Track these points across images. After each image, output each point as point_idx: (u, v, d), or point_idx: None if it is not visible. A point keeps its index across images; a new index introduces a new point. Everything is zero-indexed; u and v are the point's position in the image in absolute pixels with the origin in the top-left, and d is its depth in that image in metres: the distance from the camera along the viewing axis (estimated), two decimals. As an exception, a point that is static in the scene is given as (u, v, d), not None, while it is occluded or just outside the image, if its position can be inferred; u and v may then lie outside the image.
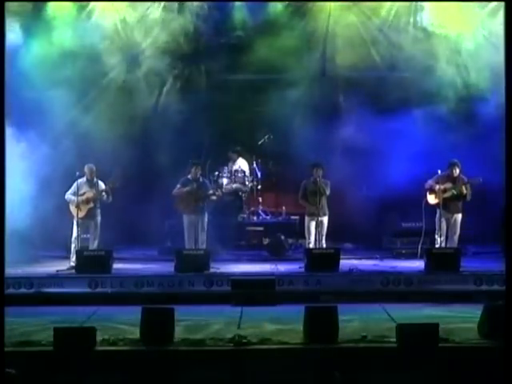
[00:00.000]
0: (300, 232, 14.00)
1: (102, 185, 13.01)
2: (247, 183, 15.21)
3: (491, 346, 8.60)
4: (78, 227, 12.77)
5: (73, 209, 12.87)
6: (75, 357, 8.40)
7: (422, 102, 14.71)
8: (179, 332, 9.20)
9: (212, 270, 12.37)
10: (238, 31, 15.36)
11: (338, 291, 11.48)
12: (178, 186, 13.31)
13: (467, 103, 14.73)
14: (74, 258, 12.63)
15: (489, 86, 14.12)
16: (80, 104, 14.50)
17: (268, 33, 14.92)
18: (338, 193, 13.68)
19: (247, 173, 15.25)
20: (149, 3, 14.96)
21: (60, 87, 13.91)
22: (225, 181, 15.05)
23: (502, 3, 13.37)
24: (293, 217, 15.06)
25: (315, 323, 8.97)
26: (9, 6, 12.63)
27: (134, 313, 9.37)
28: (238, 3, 15.25)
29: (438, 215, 13.09)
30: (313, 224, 13.13)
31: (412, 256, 13.46)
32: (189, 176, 13.39)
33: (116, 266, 12.56)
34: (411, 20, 15.10)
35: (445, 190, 13.03)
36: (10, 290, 11.25)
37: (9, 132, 10.65)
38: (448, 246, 12.93)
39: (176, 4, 14.97)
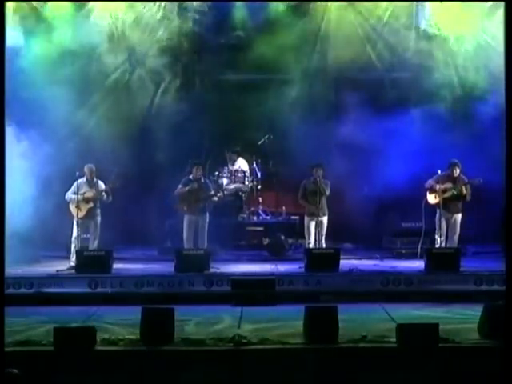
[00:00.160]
0: (300, 232, 14.00)
1: (102, 185, 13.01)
2: (247, 183, 15.21)
3: (491, 346, 8.59)
4: (77, 227, 12.77)
5: (73, 209, 12.87)
6: (75, 357, 8.40)
7: (421, 102, 14.75)
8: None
9: (212, 270, 12.37)
10: (238, 31, 15.36)
11: (338, 291, 11.47)
12: (180, 186, 13.31)
13: (466, 103, 14.75)
14: (73, 257, 12.63)
15: (487, 86, 14.12)
16: (80, 104, 14.49)
17: (268, 32, 14.93)
18: (338, 193, 13.69)
19: (247, 173, 15.24)
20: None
21: (59, 87, 13.91)
22: (225, 181, 15.04)
23: (499, 3, 13.46)
24: (293, 217, 15.05)
25: (315, 323, 8.96)
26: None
27: (133, 313, 9.37)
28: (237, 3, 15.26)
29: (438, 215, 13.08)
30: (312, 224, 13.13)
31: (412, 256, 13.45)
32: (190, 176, 13.38)
33: (116, 266, 12.56)
34: (410, 20, 15.12)
35: (445, 190, 13.03)
36: (10, 290, 11.24)
37: (9, 132, 10.67)
38: (448, 245, 12.93)
39: (176, 4, 14.99)
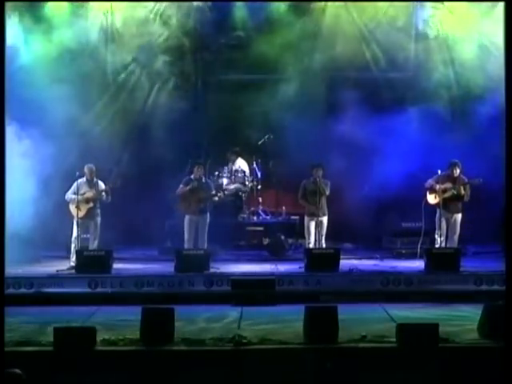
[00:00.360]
0: (300, 232, 13.99)
1: (101, 185, 13.01)
2: (247, 183, 15.20)
3: (491, 346, 8.59)
4: (77, 227, 12.76)
5: (73, 209, 12.87)
6: (75, 357, 8.40)
7: (421, 102, 14.75)
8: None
9: (212, 270, 12.37)
10: (239, 31, 15.37)
11: (338, 291, 11.48)
12: (182, 185, 13.31)
13: (466, 103, 14.76)
14: (73, 257, 12.63)
15: (486, 86, 14.14)
16: (80, 103, 14.46)
17: (268, 31, 14.94)
18: (337, 193, 13.69)
19: (247, 173, 15.24)
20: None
21: (60, 86, 13.91)
22: (225, 181, 15.04)
23: (497, 3, 13.48)
24: (293, 217, 15.04)
25: (315, 323, 8.96)
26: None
27: (133, 313, 9.37)
28: (238, 3, 15.26)
29: (437, 215, 13.08)
30: (312, 224, 13.13)
31: (412, 256, 13.45)
32: (191, 176, 13.39)
33: (116, 266, 12.55)
34: (409, 20, 15.13)
35: (445, 190, 13.03)
36: (10, 290, 11.24)
37: (10, 130, 10.69)
38: (448, 245, 12.93)
39: (176, 4, 15.00)
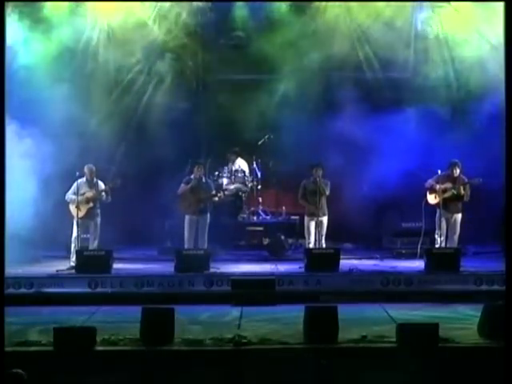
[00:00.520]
0: (300, 232, 14.00)
1: (101, 185, 13.01)
2: (247, 183, 15.21)
3: (491, 346, 8.60)
4: (77, 227, 12.76)
5: (73, 209, 12.87)
6: (75, 357, 8.40)
7: (422, 102, 14.74)
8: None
9: (212, 270, 12.37)
10: (239, 31, 15.36)
11: (338, 291, 11.48)
12: (182, 184, 13.31)
13: (466, 103, 14.77)
14: (73, 257, 12.63)
15: (487, 85, 14.14)
16: (80, 103, 14.45)
17: (268, 31, 14.93)
18: (338, 193, 13.69)
19: (247, 173, 15.25)
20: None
21: (60, 86, 13.92)
22: (225, 181, 15.04)
23: (498, 3, 13.46)
24: (293, 217, 15.04)
25: (315, 323, 8.97)
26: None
27: (133, 313, 9.37)
28: (238, 2, 15.26)
29: (437, 215, 13.08)
30: (312, 224, 13.13)
31: (412, 256, 13.45)
32: (192, 176, 13.39)
33: (116, 266, 12.55)
34: (408, 20, 15.13)
35: (445, 190, 13.02)
36: (10, 290, 11.24)
37: (10, 130, 10.69)
38: (448, 245, 12.92)
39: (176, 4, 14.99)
